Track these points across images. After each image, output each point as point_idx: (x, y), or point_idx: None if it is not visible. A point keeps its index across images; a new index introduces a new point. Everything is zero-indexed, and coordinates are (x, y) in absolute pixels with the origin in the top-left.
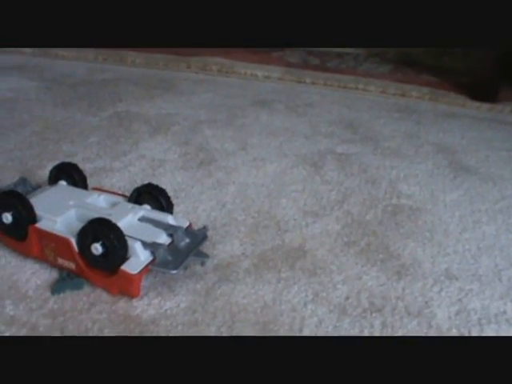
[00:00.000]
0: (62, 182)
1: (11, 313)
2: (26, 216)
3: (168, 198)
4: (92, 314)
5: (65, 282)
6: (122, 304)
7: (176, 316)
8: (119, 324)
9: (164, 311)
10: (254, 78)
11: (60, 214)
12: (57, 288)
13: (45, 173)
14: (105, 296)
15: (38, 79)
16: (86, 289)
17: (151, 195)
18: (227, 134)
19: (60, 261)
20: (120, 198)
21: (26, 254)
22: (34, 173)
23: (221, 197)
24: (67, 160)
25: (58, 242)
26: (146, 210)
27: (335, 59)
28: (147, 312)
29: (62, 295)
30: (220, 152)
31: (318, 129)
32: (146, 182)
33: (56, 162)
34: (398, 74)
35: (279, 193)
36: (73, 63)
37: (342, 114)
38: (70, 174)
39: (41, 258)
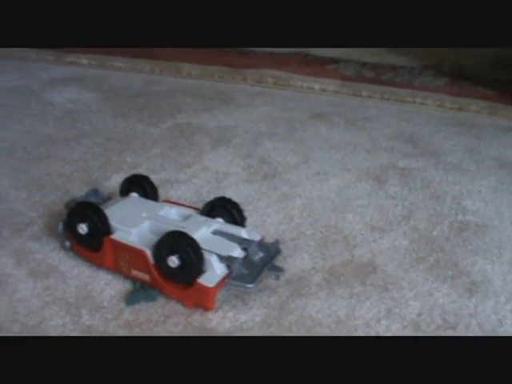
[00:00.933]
0: (134, 194)
1: (87, 322)
2: (102, 227)
3: (241, 212)
4: (168, 326)
5: (139, 293)
6: (196, 317)
7: (252, 329)
8: (191, 336)
9: (239, 324)
10: (310, 90)
11: (134, 225)
12: (131, 299)
13: (111, 184)
14: (179, 308)
15: (97, 90)
16: (160, 300)
17: (224, 209)
18: (288, 147)
19: (134, 272)
20: (192, 211)
21: (99, 265)
22: (100, 183)
23: (288, 210)
24: (132, 171)
25: (133, 253)
26: (219, 223)
27: (390, 72)
28: (223, 325)
29: (136, 306)
30: (283, 165)
31: (378, 143)
32: (211, 194)
33: (121, 173)
34: (454, 87)
35: (344, 207)
36: (129, 75)
37: (400, 128)
38: (141, 186)
39: (114, 269)
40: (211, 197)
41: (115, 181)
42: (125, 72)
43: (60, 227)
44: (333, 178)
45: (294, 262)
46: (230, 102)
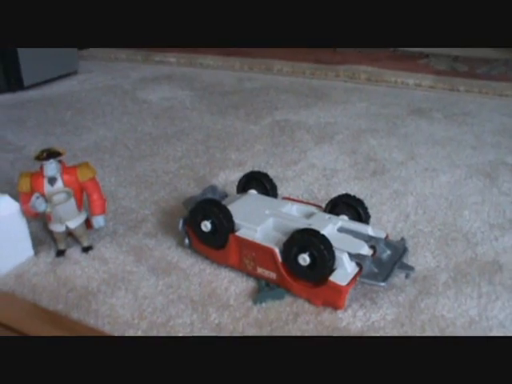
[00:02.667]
0: (252, 191)
1: (216, 321)
2: (227, 224)
3: (366, 209)
4: (299, 324)
5: (265, 291)
6: (326, 315)
7: (384, 329)
8: (327, 335)
9: (371, 323)
10: (404, 86)
11: (259, 223)
12: (259, 298)
13: (218, 181)
14: (307, 307)
15: (189, 88)
16: (287, 299)
17: (349, 205)
18: (392, 144)
19: (260, 270)
20: (313, 208)
21: (221, 263)
22: (208, 181)
23: (402, 208)
24: (238, 169)
25: (260, 251)
26: (344, 220)
27: (484, 65)
28: (354, 324)
29: (264, 305)
30: (390, 162)
31: (482, 139)
32: (322, 191)
33: (226, 171)
34: None
35: (459, 204)
36: (219, 72)
37: (504, 123)
38: (260, 183)
39: (238, 267)
40: (323, 194)
41: (222, 178)
42: (214, 70)
43: (180, 224)
44: (443, 175)
45: (417, 260)
46: (326, 99)
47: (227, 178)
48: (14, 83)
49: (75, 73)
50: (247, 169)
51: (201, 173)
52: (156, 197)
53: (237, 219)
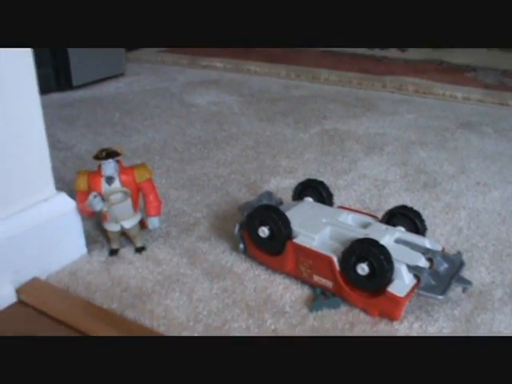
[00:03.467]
0: (308, 199)
1: (272, 327)
2: (285, 231)
3: (423, 221)
4: (355, 333)
5: (321, 299)
6: (382, 326)
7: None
8: (383, 346)
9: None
10: (452, 99)
11: (317, 231)
12: (314, 306)
13: (270, 187)
14: (363, 316)
15: (236, 94)
16: (343, 308)
17: (406, 217)
18: (442, 157)
19: (316, 278)
20: (369, 218)
21: (277, 269)
22: (259, 187)
23: (454, 221)
24: (289, 176)
25: (317, 259)
26: (401, 231)
27: None
28: (410, 336)
29: (319, 313)
30: (440, 175)
31: None
32: (374, 201)
33: (277, 177)
34: None
35: None
36: (265, 79)
37: None
38: (316, 191)
39: (293, 274)
40: (374, 204)
41: (274, 184)
42: (261, 76)
43: (236, 229)
44: (495, 190)
45: (472, 275)
46: (374, 109)
47: (278, 185)
48: (64, 83)
49: (122, 75)
50: (298, 176)
51: (252, 178)
52: (208, 200)
53: (294, 226)
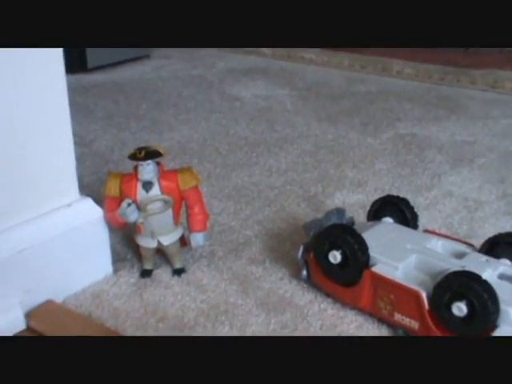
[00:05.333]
0: (388, 219)
1: None
2: (361, 257)
3: None
4: None
5: None
6: None
7: None
8: None
9: None
10: None
11: (400, 259)
12: None
13: (334, 202)
14: None
15: (289, 87)
16: None
17: None
18: None
19: (397, 317)
20: (464, 246)
21: (349, 303)
22: (321, 201)
23: None
24: (358, 190)
25: (401, 293)
26: (506, 265)
27: None
28: None
29: None
30: None
31: None
32: (464, 226)
33: (344, 191)
34: None
35: None
36: (324, 69)
37: None
38: (398, 210)
39: (369, 310)
40: (465, 229)
41: (339, 199)
42: (318, 66)
43: (300, 252)
44: None
45: None
46: (461, 111)
47: (344, 200)
48: (77, 64)
49: (148, 57)
50: (368, 191)
51: (312, 191)
52: (260, 215)
53: (372, 252)
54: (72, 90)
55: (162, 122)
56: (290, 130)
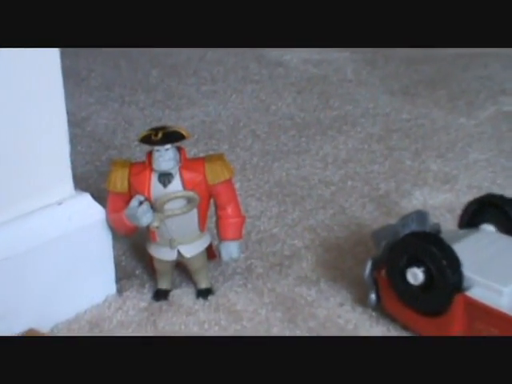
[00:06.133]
0: (488, 227)
1: None
2: (452, 277)
3: None
4: None
5: None
6: None
7: None
8: None
9: None
10: None
11: (505, 280)
12: None
13: (412, 204)
14: None
15: (349, 48)
16: None
17: None
18: None
19: None
20: None
21: (436, 334)
22: (395, 202)
23: None
24: (444, 187)
25: (509, 328)
26: None
27: None
28: None
29: None
30: None
31: None
32: None
33: (425, 188)
34: None
35: None
36: None
37: None
38: (503, 215)
39: None
40: None
41: (419, 200)
42: None
43: (367, 269)
44: None
45: None
46: None
47: (427, 201)
48: None
49: None
50: (459, 189)
51: (381, 188)
52: (311, 220)
53: (467, 271)
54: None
55: (180, 95)
56: (350, 106)
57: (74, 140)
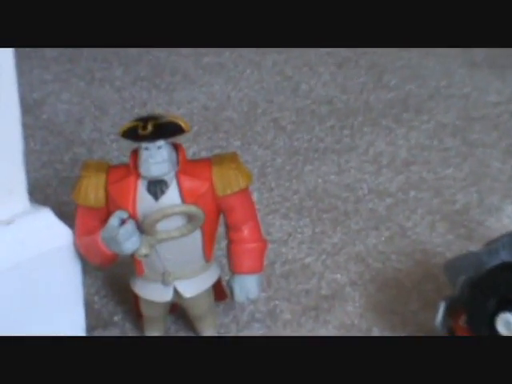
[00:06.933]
0: None
1: None
2: None
3: None
4: None
5: None
6: None
7: None
8: None
9: None
10: None
11: None
12: None
13: (502, 223)
14: None
15: None
16: None
17: None
18: None
19: None
20: None
21: None
22: (477, 221)
23: None
24: None
25: None
26: None
27: None
28: None
29: None
30: None
31: None
32: None
33: (506, 201)
34: None
35: None
36: None
37: None
38: None
39: None
40: None
41: (510, 217)
42: None
43: (439, 313)
44: None
45: None
46: None
47: None
48: None
49: None
50: None
51: (458, 201)
52: (359, 245)
53: None
54: None
55: (173, 69)
56: (413, 84)
57: (23, 133)
